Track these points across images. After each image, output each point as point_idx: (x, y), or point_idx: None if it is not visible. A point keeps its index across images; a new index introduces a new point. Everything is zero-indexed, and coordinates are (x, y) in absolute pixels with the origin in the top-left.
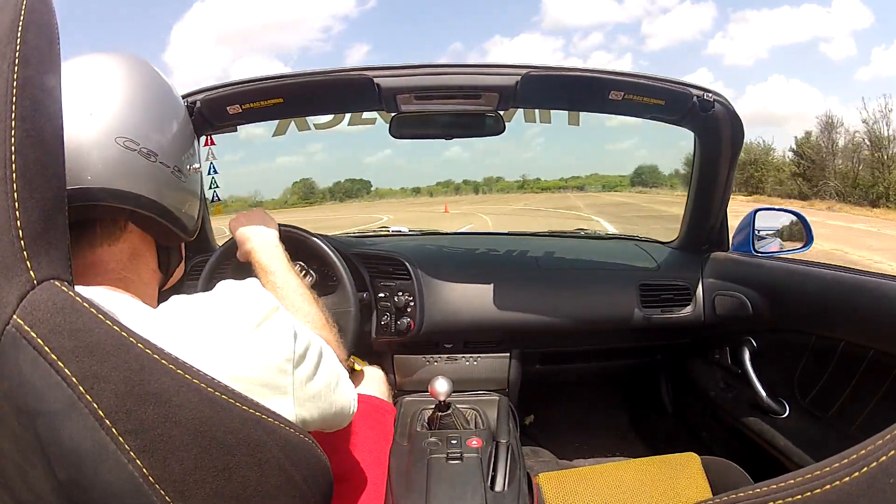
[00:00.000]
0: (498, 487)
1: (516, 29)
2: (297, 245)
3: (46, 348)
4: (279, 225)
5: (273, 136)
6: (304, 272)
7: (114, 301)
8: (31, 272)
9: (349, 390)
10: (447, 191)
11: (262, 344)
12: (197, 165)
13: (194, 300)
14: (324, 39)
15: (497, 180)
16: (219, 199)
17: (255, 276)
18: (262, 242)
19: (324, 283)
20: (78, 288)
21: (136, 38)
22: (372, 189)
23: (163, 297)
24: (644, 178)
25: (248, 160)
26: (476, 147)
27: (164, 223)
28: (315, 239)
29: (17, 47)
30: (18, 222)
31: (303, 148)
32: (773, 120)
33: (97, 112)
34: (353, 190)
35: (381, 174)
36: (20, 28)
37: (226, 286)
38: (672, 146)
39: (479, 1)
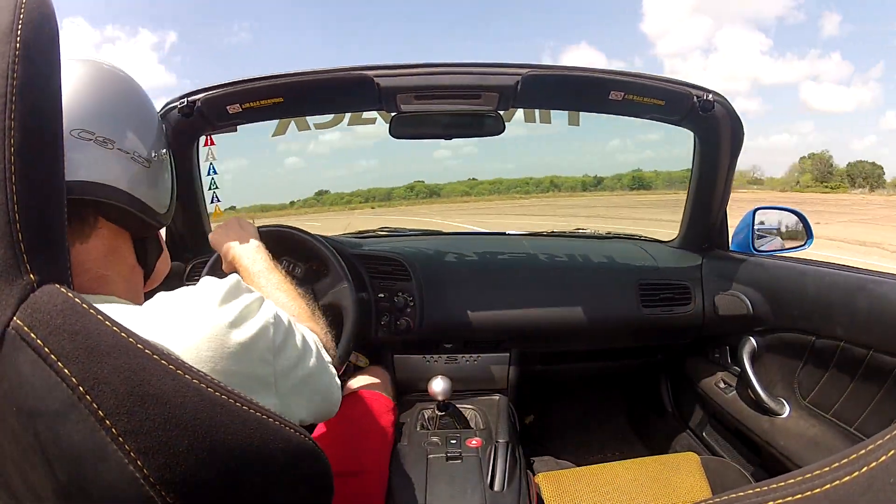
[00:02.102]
0: (497, 487)
1: None
2: (296, 246)
3: (46, 349)
4: (273, 226)
5: (273, 136)
6: (291, 266)
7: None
8: (31, 275)
9: (332, 379)
10: None
11: (243, 335)
12: (164, 151)
13: (175, 294)
14: (796, 8)
15: None
16: (218, 201)
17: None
18: (241, 250)
19: (322, 284)
20: None
21: (611, 11)
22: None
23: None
24: None
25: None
26: None
27: (132, 211)
28: (313, 240)
29: (17, 47)
30: (18, 225)
31: (792, 124)
32: None
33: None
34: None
35: None
36: (19, 27)
37: (206, 280)
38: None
39: None
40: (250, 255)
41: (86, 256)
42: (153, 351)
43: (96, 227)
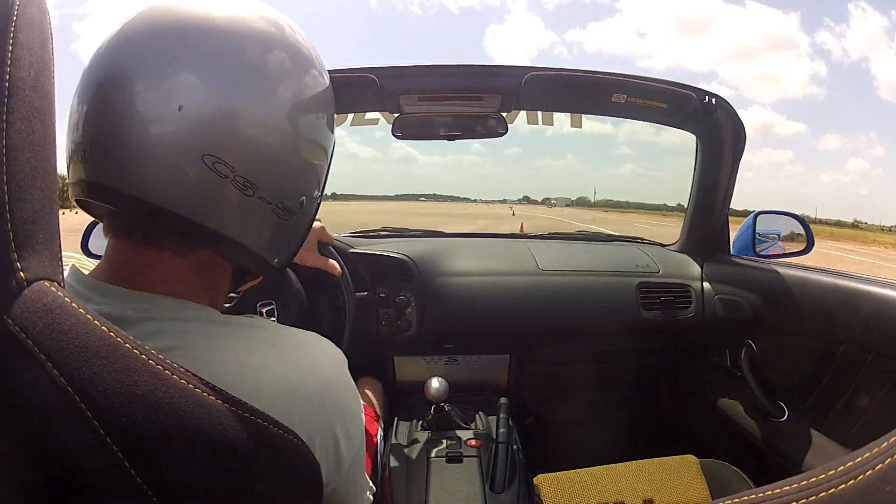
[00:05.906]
0: (497, 488)
1: None
2: None
3: (36, 349)
4: None
5: None
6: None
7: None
8: (21, 273)
9: None
10: None
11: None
12: (316, 193)
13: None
14: None
15: None
16: None
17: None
18: None
19: (322, 283)
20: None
21: None
22: None
23: None
24: None
25: None
26: None
27: (243, 263)
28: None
29: (10, 48)
30: (9, 224)
31: None
32: None
33: (189, 108)
34: None
35: None
36: (12, 28)
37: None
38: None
39: None
40: None
41: (176, 265)
42: (141, 351)
43: (197, 251)
